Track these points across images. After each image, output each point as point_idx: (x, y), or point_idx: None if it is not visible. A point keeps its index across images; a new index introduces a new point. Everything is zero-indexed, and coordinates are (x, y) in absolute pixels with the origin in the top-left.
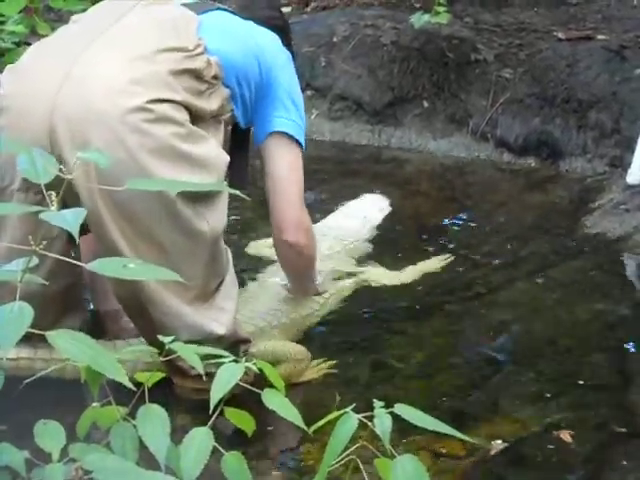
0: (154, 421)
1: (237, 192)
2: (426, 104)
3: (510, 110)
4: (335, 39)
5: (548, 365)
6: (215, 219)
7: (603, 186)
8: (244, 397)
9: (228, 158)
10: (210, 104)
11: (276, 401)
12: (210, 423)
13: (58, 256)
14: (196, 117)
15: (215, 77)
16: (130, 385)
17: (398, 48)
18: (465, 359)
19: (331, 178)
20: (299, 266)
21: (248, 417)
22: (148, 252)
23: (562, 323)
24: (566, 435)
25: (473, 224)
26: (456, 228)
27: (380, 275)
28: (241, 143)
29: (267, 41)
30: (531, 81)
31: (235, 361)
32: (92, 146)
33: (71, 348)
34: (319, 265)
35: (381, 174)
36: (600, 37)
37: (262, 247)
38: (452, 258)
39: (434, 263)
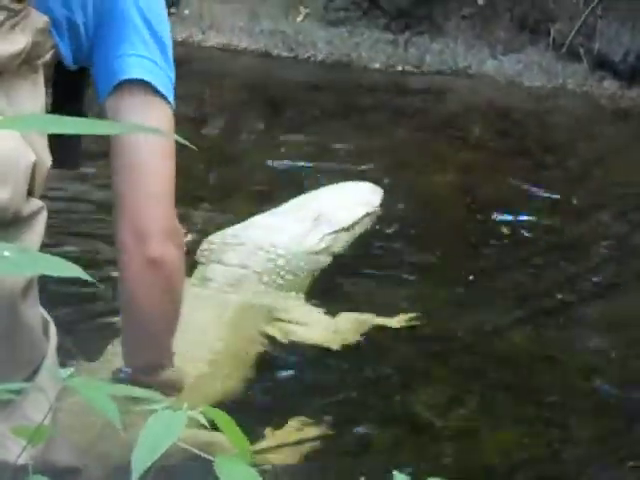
0: None
1: None
2: (481, 1)
3: (614, 12)
4: None
5: None
6: None
7: None
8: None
9: (32, 159)
10: (12, 43)
11: (237, 473)
12: None
13: None
14: None
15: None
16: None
17: None
18: (541, 407)
19: (327, 117)
20: (160, 300)
21: None
22: None
23: None
24: None
25: (557, 194)
26: (531, 202)
27: (309, 326)
28: (70, 94)
29: None
30: None
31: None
32: None
33: None
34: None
35: (407, 111)
36: None
37: None
38: (415, 321)
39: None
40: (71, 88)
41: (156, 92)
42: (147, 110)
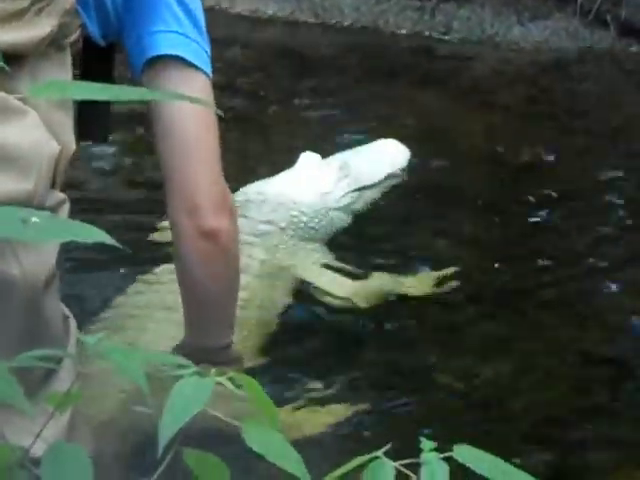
0: (69, 468)
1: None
2: None
3: None
4: None
5: None
6: (33, 260)
7: None
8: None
9: (55, 149)
10: (38, 28)
11: (264, 439)
12: (160, 471)
13: None
14: (12, 56)
15: None
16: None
17: None
18: (567, 373)
19: (356, 83)
20: (219, 274)
21: (219, 464)
22: None
23: None
24: None
25: (582, 160)
26: (557, 169)
27: (332, 282)
28: (99, 69)
29: None
30: None
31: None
32: None
33: None
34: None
35: (435, 77)
36: None
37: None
38: (450, 272)
39: (419, 281)
40: (101, 62)
41: (191, 65)
42: (184, 83)
